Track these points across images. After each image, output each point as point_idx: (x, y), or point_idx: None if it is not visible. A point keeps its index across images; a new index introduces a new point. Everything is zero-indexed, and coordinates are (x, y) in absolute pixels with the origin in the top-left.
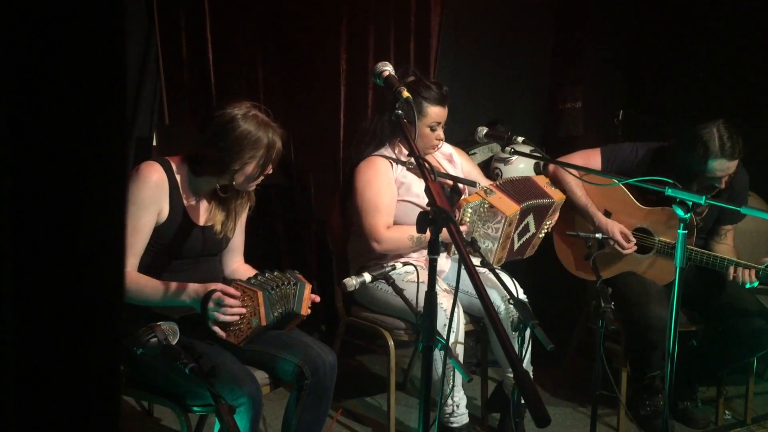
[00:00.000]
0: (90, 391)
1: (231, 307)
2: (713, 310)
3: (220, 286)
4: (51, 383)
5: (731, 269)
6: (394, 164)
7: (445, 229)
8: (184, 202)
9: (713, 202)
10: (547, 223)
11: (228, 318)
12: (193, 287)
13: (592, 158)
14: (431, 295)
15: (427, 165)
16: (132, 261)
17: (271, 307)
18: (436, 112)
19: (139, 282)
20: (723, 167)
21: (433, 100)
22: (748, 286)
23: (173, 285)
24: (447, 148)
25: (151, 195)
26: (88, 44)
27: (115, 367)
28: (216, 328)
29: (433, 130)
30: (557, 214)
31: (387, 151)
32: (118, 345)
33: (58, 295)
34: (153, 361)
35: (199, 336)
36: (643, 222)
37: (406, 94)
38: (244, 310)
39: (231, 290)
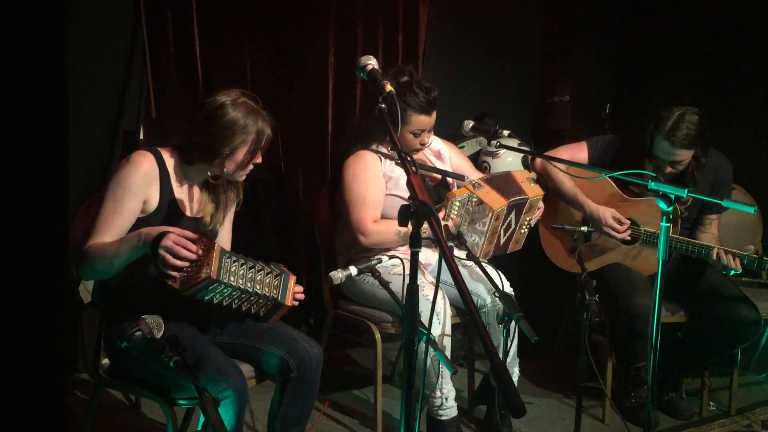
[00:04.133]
0: (32, 392)
1: (188, 250)
2: (694, 297)
3: (177, 229)
4: None
5: (714, 251)
6: (382, 159)
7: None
8: (175, 192)
9: (696, 195)
10: (527, 218)
11: (178, 262)
12: (146, 230)
13: (579, 151)
14: (413, 288)
15: (409, 159)
16: (107, 239)
17: (229, 274)
18: (420, 121)
19: (100, 247)
20: (665, 150)
21: (418, 109)
22: (732, 273)
23: (129, 235)
24: (436, 143)
25: (139, 181)
26: (25, 46)
27: (58, 370)
28: (169, 271)
29: (416, 136)
30: (538, 210)
31: (376, 145)
32: (60, 347)
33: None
34: (138, 354)
35: (186, 329)
36: (629, 213)
37: (389, 87)
38: (195, 256)
39: (188, 233)
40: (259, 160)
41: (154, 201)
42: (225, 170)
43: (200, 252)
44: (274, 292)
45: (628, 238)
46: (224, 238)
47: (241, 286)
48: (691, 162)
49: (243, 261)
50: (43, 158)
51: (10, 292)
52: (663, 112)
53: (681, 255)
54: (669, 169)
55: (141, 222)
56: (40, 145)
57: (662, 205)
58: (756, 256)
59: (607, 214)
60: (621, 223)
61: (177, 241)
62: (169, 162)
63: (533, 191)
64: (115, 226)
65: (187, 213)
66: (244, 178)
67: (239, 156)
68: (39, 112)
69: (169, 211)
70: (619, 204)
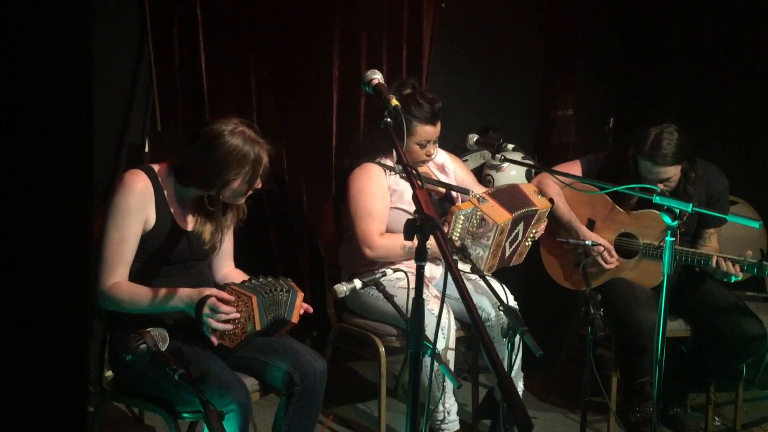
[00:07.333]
0: (54, 397)
1: (226, 314)
2: (697, 311)
3: (214, 291)
4: (15, 388)
5: (714, 259)
6: (387, 172)
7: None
8: (171, 209)
9: (701, 210)
10: (533, 231)
11: (222, 326)
12: (186, 292)
13: (573, 169)
14: (418, 302)
15: (414, 173)
16: (122, 270)
17: (265, 311)
18: (425, 131)
19: (130, 291)
20: (649, 170)
21: (423, 119)
22: (733, 280)
23: (164, 291)
24: (440, 157)
25: (137, 203)
26: (53, 53)
27: (81, 373)
28: (212, 337)
29: (422, 147)
30: (544, 223)
31: (381, 159)
32: (84, 353)
33: (21, 302)
34: (142, 367)
35: (191, 342)
36: (627, 226)
37: (394, 102)
38: (238, 316)
39: (225, 295)
40: (258, 185)
41: (152, 219)
42: (221, 196)
43: (241, 309)
44: (282, 309)
45: (618, 263)
46: (226, 248)
47: (267, 318)
48: (681, 177)
49: (268, 289)
50: (68, 165)
51: (34, 300)
52: (639, 134)
53: (682, 267)
54: (661, 187)
55: (141, 240)
56: (65, 152)
57: (667, 219)
58: (755, 261)
59: (600, 243)
60: (611, 255)
61: (216, 306)
62: (163, 179)
63: (542, 203)
64: (126, 255)
65: (185, 228)
66: (243, 201)
67: (235, 185)
68: (64, 119)
69: (168, 227)
70: (616, 217)
